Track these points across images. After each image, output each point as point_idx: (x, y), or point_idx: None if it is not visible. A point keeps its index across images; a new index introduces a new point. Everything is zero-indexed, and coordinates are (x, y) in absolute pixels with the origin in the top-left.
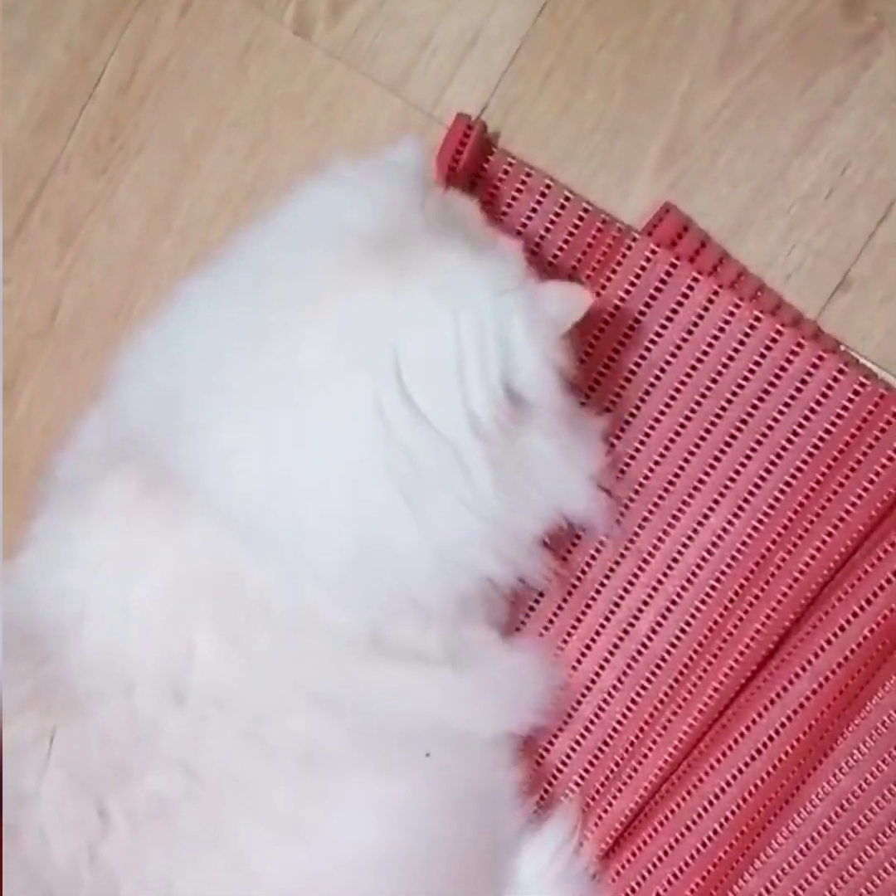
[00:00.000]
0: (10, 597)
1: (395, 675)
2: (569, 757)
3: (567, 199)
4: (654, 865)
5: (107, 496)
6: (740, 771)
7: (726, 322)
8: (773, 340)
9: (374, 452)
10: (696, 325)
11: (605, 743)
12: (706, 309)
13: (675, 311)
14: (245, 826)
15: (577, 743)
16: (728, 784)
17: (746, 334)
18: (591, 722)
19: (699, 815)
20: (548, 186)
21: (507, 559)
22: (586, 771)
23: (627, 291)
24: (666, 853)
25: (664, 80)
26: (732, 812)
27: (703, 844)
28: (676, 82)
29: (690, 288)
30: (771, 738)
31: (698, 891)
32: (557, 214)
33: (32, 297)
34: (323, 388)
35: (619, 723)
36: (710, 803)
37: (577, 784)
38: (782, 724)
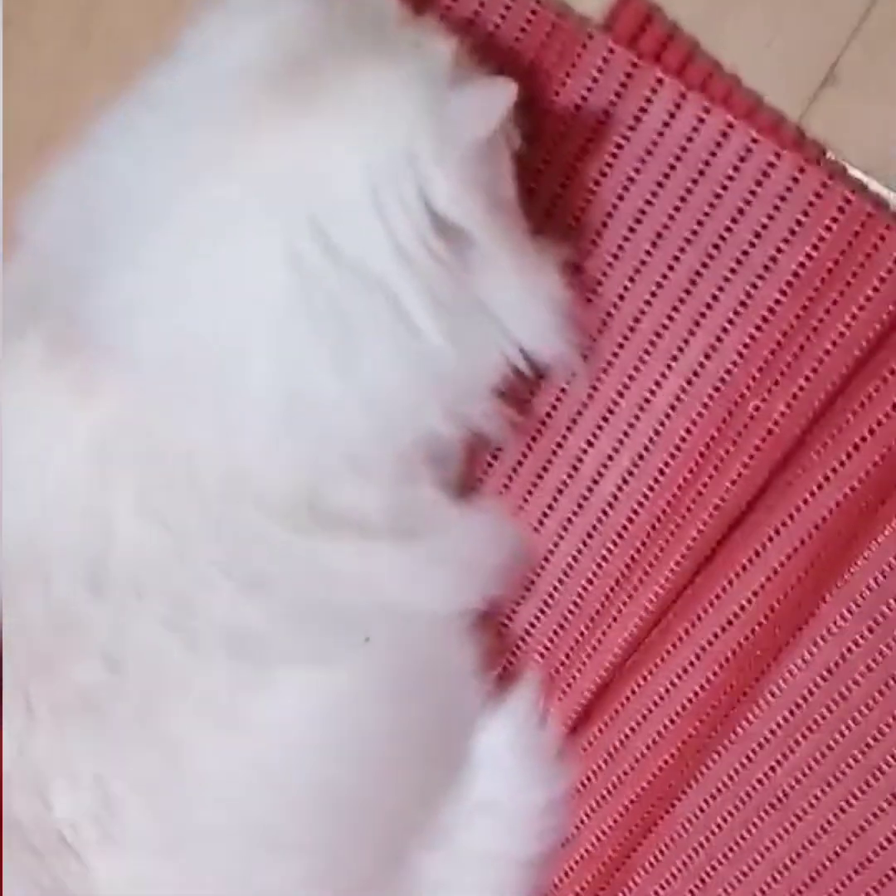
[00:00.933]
0: None
1: (333, 548)
2: (532, 627)
3: None
4: (622, 742)
5: (15, 359)
6: (712, 640)
7: (695, 130)
8: (748, 150)
9: (292, 301)
10: (661, 135)
11: (570, 611)
12: (672, 116)
13: (637, 119)
14: (176, 717)
15: (541, 612)
16: (699, 654)
17: (718, 144)
18: (555, 588)
19: (669, 688)
20: None
21: (453, 411)
22: (551, 640)
23: (584, 97)
24: (633, 729)
25: None
26: (704, 684)
27: (672, 719)
28: None
29: (654, 91)
30: (745, 605)
31: (668, 768)
32: (508, 6)
33: None
34: (231, 237)
35: (584, 588)
36: (681, 675)
37: (541, 655)
38: (757, 590)
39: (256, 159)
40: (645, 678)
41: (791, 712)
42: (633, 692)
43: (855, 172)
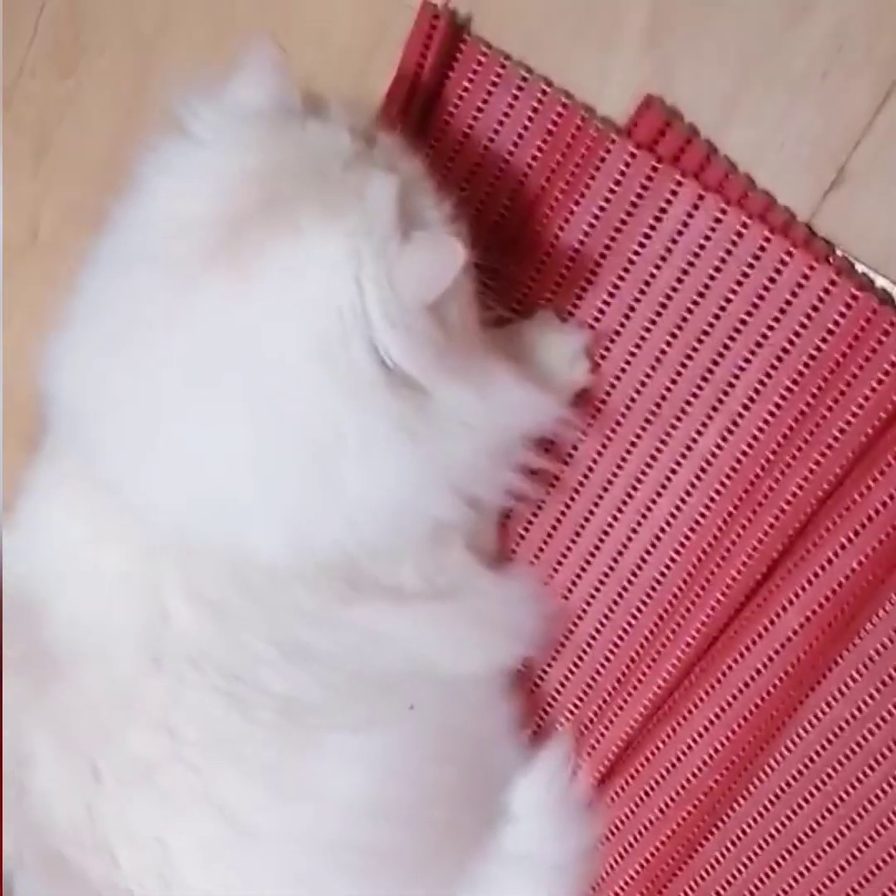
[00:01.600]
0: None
1: (372, 615)
2: (562, 686)
3: (544, 92)
4: (647, 794)
5: (55, 483)
6: (732, 699)
7: (713, 229)
8: (762, 249)
9: (268, 436)
10: (680, 233)
11: (598, 671)
12: (691, 216)
13: (658, 219)
14: (232, 783)
15: (571, 672)
16: (720, 713)
17: (734, 243)
18: (584, 651)
19: (691, 744)
20: (524, 79)
21: (466, 499)
22: (580, 700)
23: (607, 198)
24: (658, 782)
25: None
26: (724, 740)
27: (695, 773)
28: None
29: (674, 193)
30: (762, 668)
31: (690, 818)
32: (535, 110)
33: (11, 214)
34: (198, 396)
35: (612, 651)
36: (702, 732)
37: (571, 713)
38: (774, 653)
39: (203, 320)
40: (669, 735)
41: (804, 767)
42: (659, 747)
43: (862, 268)
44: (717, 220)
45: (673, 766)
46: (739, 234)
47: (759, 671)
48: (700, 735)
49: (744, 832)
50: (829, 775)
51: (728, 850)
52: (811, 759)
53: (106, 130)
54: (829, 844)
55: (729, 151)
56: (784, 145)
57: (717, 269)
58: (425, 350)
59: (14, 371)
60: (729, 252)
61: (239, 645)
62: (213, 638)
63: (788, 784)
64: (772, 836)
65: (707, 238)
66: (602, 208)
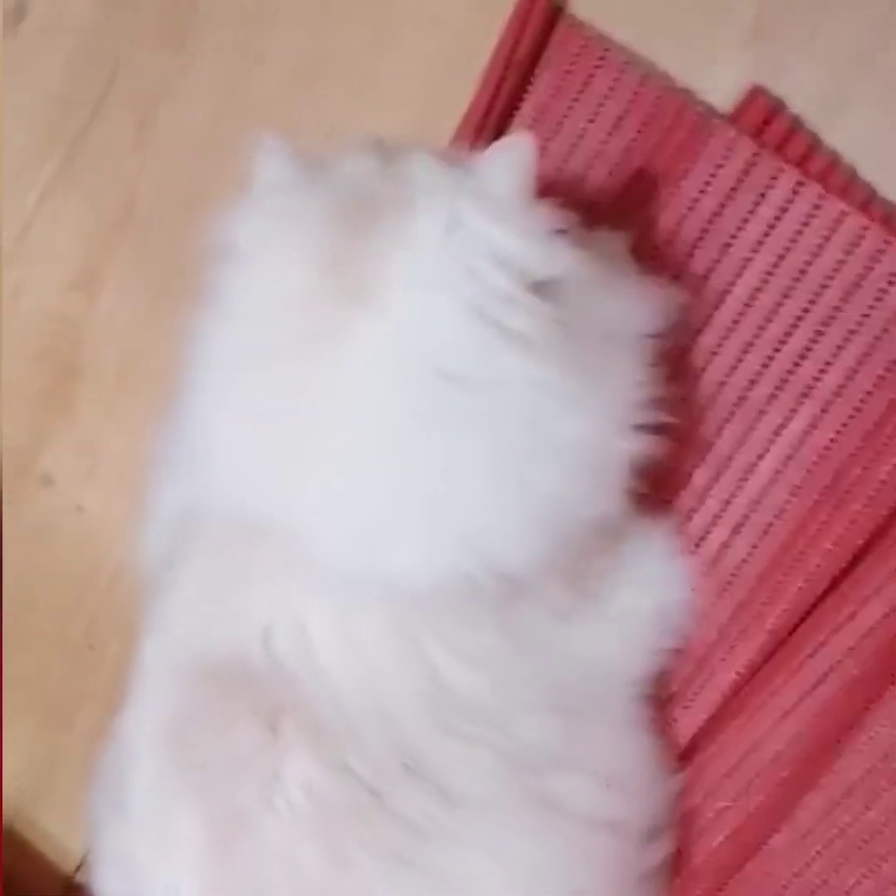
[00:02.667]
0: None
1: (600, 635)
2: None
3: (646, 76)
4: (720, 781)
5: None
6: (809, 691)
7: (811, 216)
8: (860, 237)
9: (450, 445)
10: (778, 219)
11: (676, 655)
12: (790, 202)
13: (757, 204)
14: (507, 830)
15: None
16: (796, 704)
17: (832, 230)
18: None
19: (767, 733)
20: (626, 63)
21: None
22: (661, 693)
23: (707, 183)
24: (732, 770)
25: None
26: (800, 732)
27: (770, 762)
28: None
29: (774, 179)
30: (841, 660)
31: (762, 807)
32: (636, 94)
33: (111, 186)
34: (399, 444)
35: (690, 637)
36: (778, 722)
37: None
38: (854, 646)
39: (366, 374)
40: (740, 728)
41: (881, 761)
42: (729, 740)
43: None
44: (816, 208)
45: (746, 755)
46: (838, 223)
47: (840, 661)
48: (778, 723)
49: (814, 828)
50: None
51: (798, 844)
52: (888, 753)
53: (209, 109)
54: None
55: (834, 143)
56: (890, 137)
57: (814, 256)
58: (553, 240)
59: (102, 340)
60: (826, 239)
61: (508, 692)
62: (486, 689)
63: (863, 778)
64: (842, 830)
65: (805, 224)
66: (701, 192)
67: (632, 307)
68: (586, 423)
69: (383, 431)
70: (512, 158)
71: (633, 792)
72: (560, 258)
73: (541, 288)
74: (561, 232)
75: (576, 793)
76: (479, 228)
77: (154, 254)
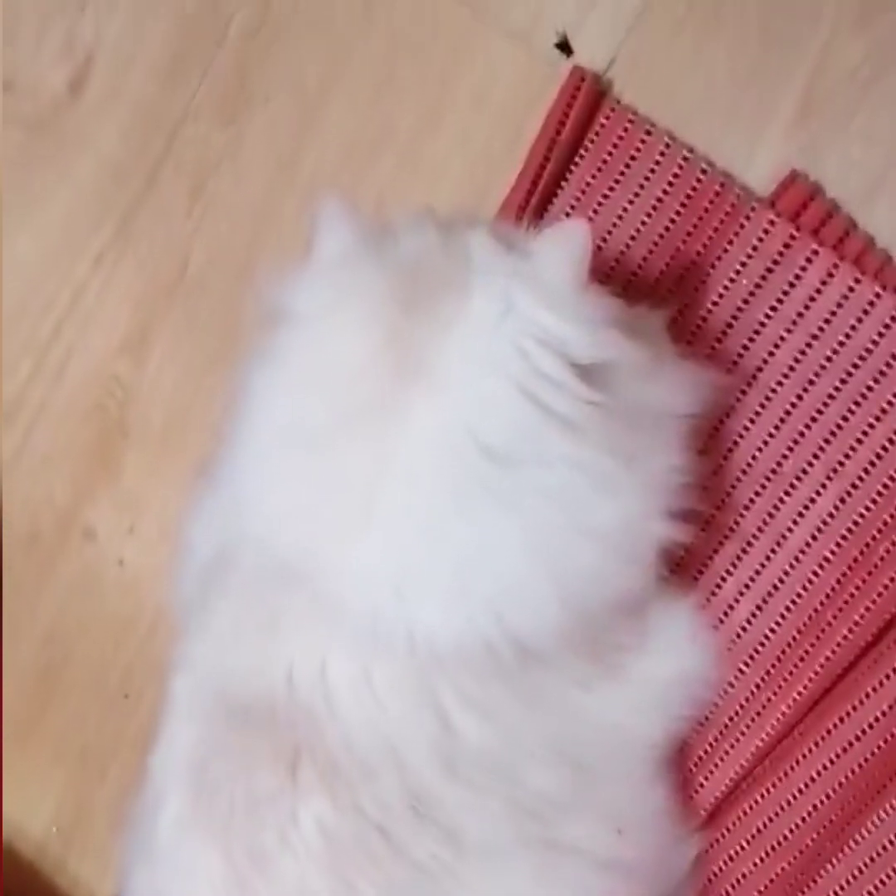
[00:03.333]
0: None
1: (620, 704)
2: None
3: (685, 159)
4: (742, 847)
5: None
6: (836, 757)
7: (845, 297)
8: (893, 319)
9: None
10: (813, 299)
11: (701, 724)
12: (824, 283)
13: (792, 285)
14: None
15: None
16: (820, 772)
17: (865, 311)
18: None
19: (790, 801)
20: (668, 144)
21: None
22: (681, 752)
23: (744, 263)
24: (754, 836)
25: (800, 32)
26: (823, 800)
27: (792, 830)
28: (813, 35)
29: (809, 260)
30: (865, 731)
31: (784, 874)
32: (676, 175)
33: (164, 252)
34: (439, 508)
35: (715, 705)
36: (801, 790)
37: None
38: (878, 717)
39: (422, 450)
40: (765, 793)
41: None
42: (755, 804)
43: None
44: (851, 289)
45: (771, 820)
46: (872, 304)
47: (862, 733)
48: (801, 791)
49: (840, 890)
50: None
51: None
52: None
53: (260, 179)
54: None
55: (871, 226)
56: None
57: (848, 335)
58: (603, 330)
59: (150, 403)
60: (860, 320)
61: (517, 746)
62: (496, 742)
63: (885, 847)
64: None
65: (839, 305)
66: (737, 272)
67: (672, 391)
68: (621, 507)
69: (423, 499)
70: (568, 245)
71: (646, 844)
72: (608, 345)
73: (587, 373)
74: (610, 319)
75: (585, 841)
76: (532, 313)
77: (202, 319)
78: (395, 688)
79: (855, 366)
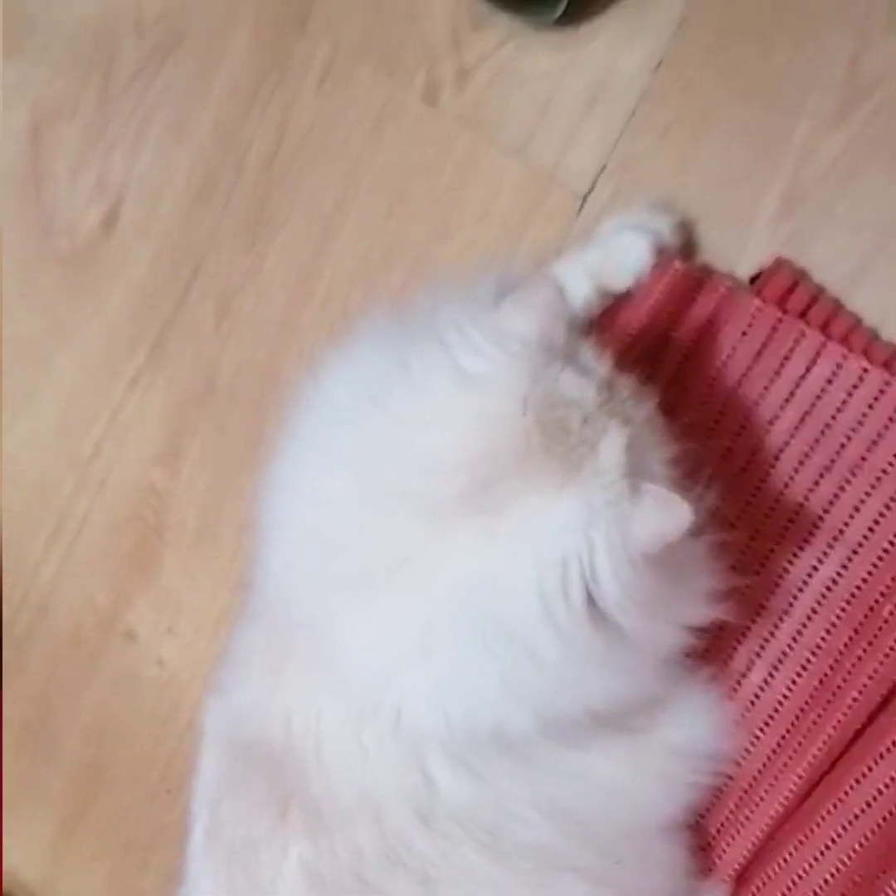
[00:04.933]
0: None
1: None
2: None
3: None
4: None
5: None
6: (852, 821)
7: (834, 374)
8: (882, 392)
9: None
10: (803, 378)
11: (720, 790)
12: (813, 362)
13: (782, 366)
14: None
15: None
16: (839, 835)
17: (854, 386)
18: None
19: (811, 864)
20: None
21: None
22: (701, 818)
23: (735, 348)
24: None
25: (783, 129)
26: (844, 862)
27: (816, 892)
28: (794, 130)
29: (797, 342)
30: (882, 790)
31: None
32: (666, 267)
33: (193, 368)
34: (447, 628)
35: (735, 770)
36: (822, 853)
37: (697, 824)
38: (894, 777)
39: (444, 566)
40: (787, 857)
41: None
42: (778, 868)
43: None
44: (838, 367)
45: (794, 883)
46: (860, 379)
47: (880, 792)
48: (820, 855)
49: None
50: None
51: None
52: None
53: (282, 297)
54: None
55: (857, 308)
56: None
57: (839, 411)
58: (639, 602)
59: (185, 506)
60: (849, 395)
61: (500, 805)
62: (477, 799)
63: None
64: None
65: (829, 382)
66: (729, 357)
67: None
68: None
69: (428, 612)
70: (668, 521)
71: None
72: (628, 621)
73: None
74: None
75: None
76: (598, 547)
77: (231, 426)
78: (382, 746)
79: (847, 437)
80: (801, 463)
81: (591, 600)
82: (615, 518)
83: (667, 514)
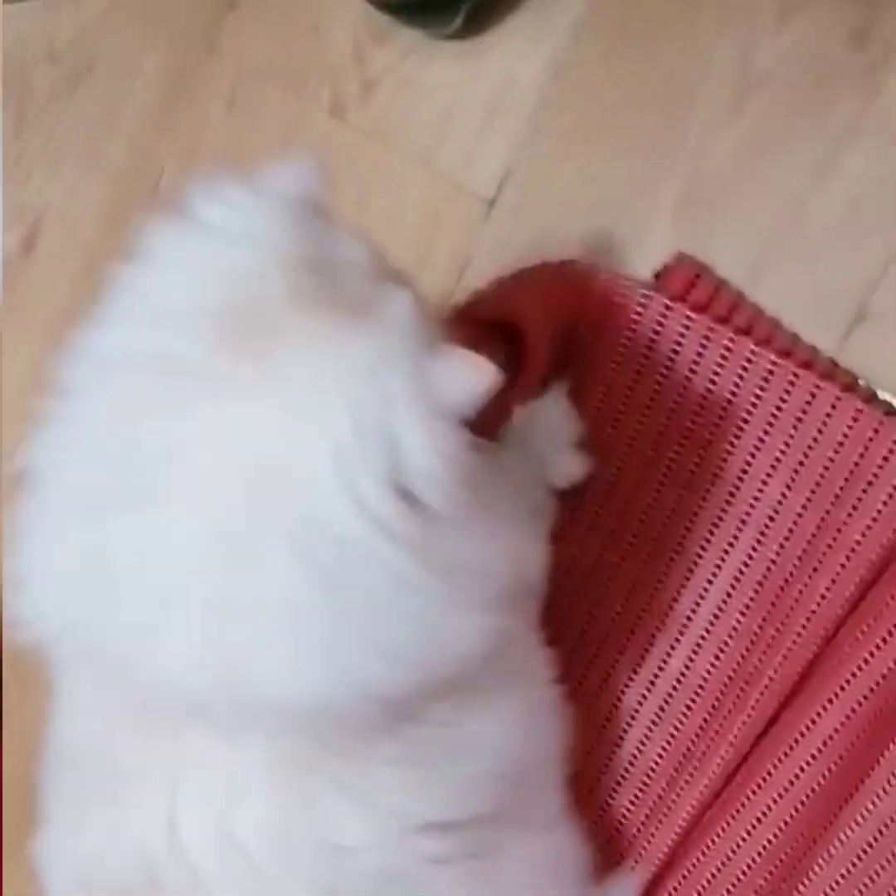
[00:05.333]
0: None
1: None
2: (612, 797)
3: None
4: (703, 889)
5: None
6: (775, 801)
7: (744, 369)
8: (791, 384)
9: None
10: (717, 375)
11: (648, 776)
12: (725, 358)
13: (696, 364)
14: None
15: (622, 778)
16: (764, 814)
17: (766, 380)
18: (633, 757)
19: (738, 845)
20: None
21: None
22: (629, 809)
23: (649, 348)
24: (708, 883)
25: (678, 130)
26: (770, 841)
27: (744, 873)
28: (688, 132)
29: (707, 339)
30: (804, 768)
31: None
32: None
33: None
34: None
35: (659, 757)
36: (748, 833)
37: (621, 823)
38: (814, 755)
39: (218, 446)
40: (714, 839)
41: (853, 864)
42: (705, 851)
43: (885, 396)
44: (748, 362)
45: (722, 865)
46: (770, 373)
47: (801, 771)
48: (747, 835)
49: None
50: (878, 872)
51: None
52: (860, 856)
53: None
54: None
55: (758, 299)
56: (808, 289)
57: (753, 406)
58: (449, 476)
59: None
60: (762, 389)
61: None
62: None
63: (838, 882)
64: None
65: (740, 377)
66: (645, 358)
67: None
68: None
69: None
70: (467, 379)
71: None
72: (442, 494)
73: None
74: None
75: None
76: (402, 426)
77: None
78: (263, 830)
79: (765, 432)
80: (704, 448)
81: (397, 475)
82: (412, 369)
83: (469, 369)
